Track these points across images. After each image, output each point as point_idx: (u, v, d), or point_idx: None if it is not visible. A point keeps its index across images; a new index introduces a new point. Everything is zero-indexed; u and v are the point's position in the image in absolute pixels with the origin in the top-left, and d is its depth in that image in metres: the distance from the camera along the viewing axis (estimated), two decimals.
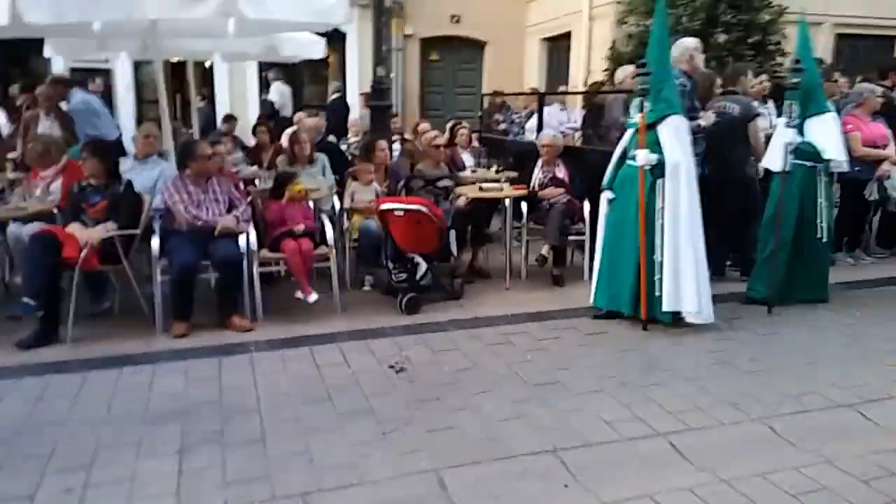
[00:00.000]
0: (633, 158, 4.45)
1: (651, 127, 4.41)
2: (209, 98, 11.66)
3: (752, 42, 7.29)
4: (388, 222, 4.81)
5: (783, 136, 4.87)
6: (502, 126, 9.40)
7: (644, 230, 4.40)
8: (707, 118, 5.14)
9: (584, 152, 6.51)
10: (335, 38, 10.72)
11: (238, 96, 11.80)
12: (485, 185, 5.76)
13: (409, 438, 3.11)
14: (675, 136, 4.39)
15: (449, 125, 7.52)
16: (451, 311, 4.86)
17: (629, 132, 4.57)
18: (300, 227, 4.77)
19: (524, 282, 5.59)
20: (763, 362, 4.07)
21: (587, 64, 10.20)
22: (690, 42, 5.27)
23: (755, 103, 5.66)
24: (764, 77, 6.15)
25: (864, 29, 9.87)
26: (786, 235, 4.94)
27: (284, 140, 6.71)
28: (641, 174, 4.40)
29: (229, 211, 4.68)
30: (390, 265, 4.91)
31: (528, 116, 9.27)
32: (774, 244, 4.93)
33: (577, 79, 10.26)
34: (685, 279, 4.39)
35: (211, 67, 11.86)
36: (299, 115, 7.74)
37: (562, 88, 9.50)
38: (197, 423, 3.26)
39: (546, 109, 7.89)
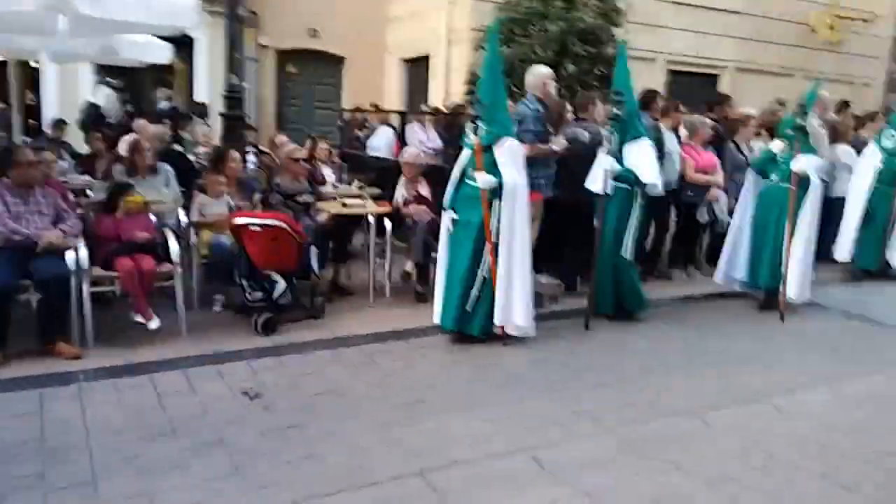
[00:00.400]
0: (473, 179, 4.54)
1: (487, 149, 4.50)
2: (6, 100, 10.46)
3: (599, 73, 7.79)
4: (244, 238, 4.51)
5: (602, 162, 5.09)
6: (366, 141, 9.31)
7: (492, 249, 4.48)
8: (559, 143, 5.37)
9: (446, 171, 6.55)
10: (183, 44, 10.10)
11: (69, 101, 10.73)
12: (347, 200, 5.61)
13: (266, 471, 2.89)
14: (511, 158, 4.49)
15: (309, 140, 7.30)
16: (311, 331, 4.64)
17: (466, 153, 4.65)
18: (143, 236, 4.36)
19: (388, 299, 5.49)
20: (613, 373, 4.26)
21: (446, 86, 10.39)
22: (544, 70, 5.49)
23: (604, 130, 6.00)
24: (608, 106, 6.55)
25: (692, 67, 10.95)
26: (605, 252, 5.14)
27: (122, 148, 6.14)
28: (484, 195, 4.47)
29: (56, 224, 4.16)
30: (244, 283, 4.61)
31: (368, 135, 9.29)
32: (594, 261, 5.12)
33: (437, 100, 10.42)
34: (517, 295, 4.52)
35: (37, 68, 10.72)
36: (140, 121, 7.16)
37: (426, 108, 9.56)
38: (12, 466, 2.81)
39: (408, 127, 7.92)
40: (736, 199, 6.13)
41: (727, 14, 11.07)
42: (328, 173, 6.83)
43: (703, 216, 6.47)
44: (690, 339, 5.05)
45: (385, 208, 5.58)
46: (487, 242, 4.49)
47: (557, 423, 3.50)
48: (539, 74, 5.39)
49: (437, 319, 4.72)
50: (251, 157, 6.95)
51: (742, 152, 6.68)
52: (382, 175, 6.44)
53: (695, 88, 10.91)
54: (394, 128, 9.30)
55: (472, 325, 4.58)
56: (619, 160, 5.11)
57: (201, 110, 10.30)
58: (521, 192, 4.52)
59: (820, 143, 6.70)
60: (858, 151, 7.18)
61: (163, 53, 6.95)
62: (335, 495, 2.72)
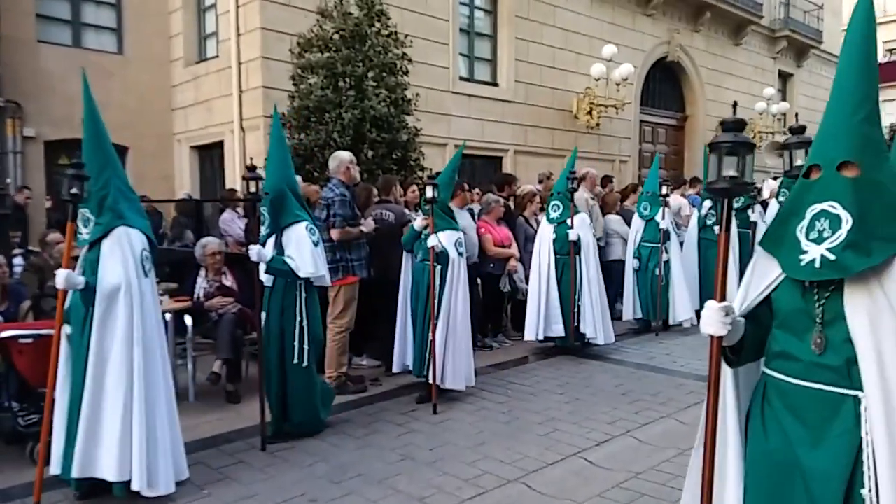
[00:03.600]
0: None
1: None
2: None
3: (396, 158, 8.11)
4: (11, 353, 3.88)
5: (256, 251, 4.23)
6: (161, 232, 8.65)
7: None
8: (368, 225, 5.45)
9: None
10: None
11: None
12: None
13: None
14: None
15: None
16: None
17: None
18: None
19: (194, 404, 5.00)
20: (440, 451, 4.24)
21: (243, 172, 10.13)
22: (346, 155, 5.60)
23: (406, 210, 6.21)
24: (415, 187, 6.83)
25: (478, 150, 11.83)
26: (271, 358, 4.35)
27: None
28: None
29: None
30: (15, 406, 3.93)
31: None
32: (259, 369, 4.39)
33: (234, 186, 10.08)
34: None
35: None
36: None
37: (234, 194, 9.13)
38: None
39: (223, 216, 7.62)
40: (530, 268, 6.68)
41: (503, 103, 12.25)
42: None
43: (505, 286, 6.88)
44: (508, 404, 5.23)
45: (184, 304, 5.18)
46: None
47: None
48: (341, 159, 5.48)
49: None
50: (18, 260, 6.11)
51: (531, 225, 7.29)
52: (178, 268, 6.00)
53: (483, 170, 11.81)
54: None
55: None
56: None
57: None
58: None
59: (593, 214, 7.60)
60: (626, 220, 8.18)
61: None
62: None
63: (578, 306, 6.50)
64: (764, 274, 1.94)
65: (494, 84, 12.43)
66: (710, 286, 7.17)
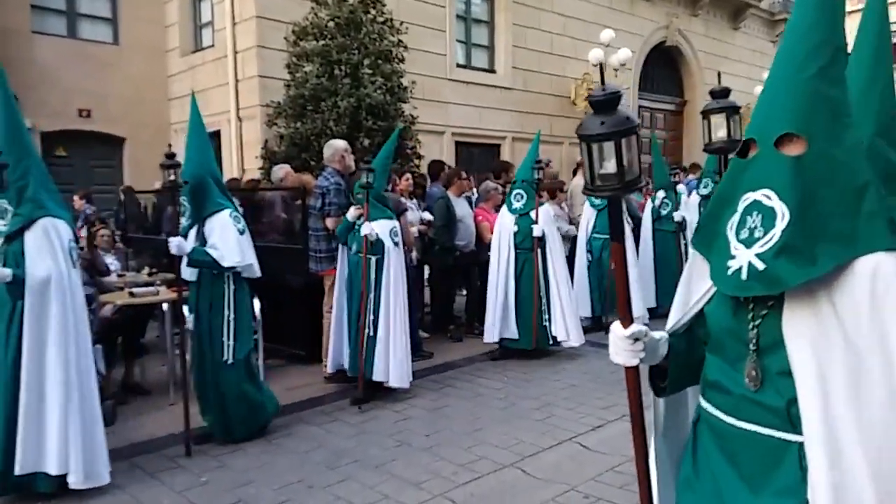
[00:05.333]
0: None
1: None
2: None
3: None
4: None
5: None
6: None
7: None
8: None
9: None
10: None
11: None
12: (136, 289, 5.13)
13: None
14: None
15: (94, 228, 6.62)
16: None
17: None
18: None
19: (192, 394, 5.02)
20: (436, 437, 4.28)
21: (241, 162, 10.12)
22: (340, 143, 5.59)
23: (402, 199, 6.21)
24: (408, 176, 6.82)
25: (476, 138, 11.80)
26: (202, 356, 4.19)
27: None
28: None
29: None
30: None
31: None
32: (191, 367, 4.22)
33: (232, 176, 10.08)
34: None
35: None
36: None
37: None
38: None
39: None
40: None
41: (501, 90, 12.20)
42: (111, 262, 6.22)
43: None
44: (505, 390, 5.26)
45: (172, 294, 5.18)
46: None
47: (386, 497, 3.42)
48: (336, 148, 5.47)
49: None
50: None
51: None
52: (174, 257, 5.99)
53: (480, 157, 11.78)
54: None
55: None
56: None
57: None
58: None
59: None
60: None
61: None
62: None
63: (547, 307, 6.03)
64: (700, 279, 1.52)
65: (492, 71, 12.38)
66: (667, 281, 7.11)
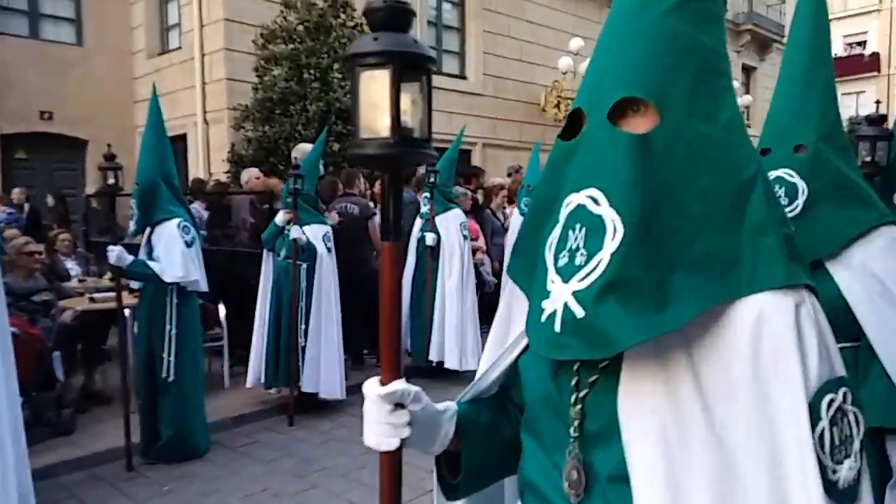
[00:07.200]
0: None
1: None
2: None
3: None
4: None
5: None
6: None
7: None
8: (332, 218, 5.40)
9: (212, 253, 6.21)
10: None
11: None
12: (97, 294, 5.01)
13: None
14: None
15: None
16: (60, 450, 3.95)
17: None
18: None
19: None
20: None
21: (207, 166, 9.98)
22: (309, 148, 5.54)
23: (371, 203, 6.18)
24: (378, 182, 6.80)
25: (446, 143, 11.78)
26: (139, 372, 4.01)
27: None
28: None
29: None
30: None
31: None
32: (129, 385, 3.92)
33: (200, 176, 9.94)
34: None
35: None
36: None
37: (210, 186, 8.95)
38: None
39: (193, 206, 7.48)
40: (499, 263, 6.63)
41: (472, 96, 12.25)
42: (72, 266, 6.07)
43: None
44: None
45: None
46: None
47: None
48: (305, 152, 5.42)
49: None
50: None
51: (497, 218, 7.31)
52: None
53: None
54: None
55: None
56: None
57: None
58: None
59: None
60: None
61: None
62: None
63: (431, 323, 5.55)
64: (522, 314, 0.96)
65: (463, 77, 12.43)
66: None
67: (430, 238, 5.58)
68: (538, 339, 0.87)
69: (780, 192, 1.68)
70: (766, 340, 0.79)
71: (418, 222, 5.84)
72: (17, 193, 9.40)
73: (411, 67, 0.91)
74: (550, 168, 0.95)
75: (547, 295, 0.85)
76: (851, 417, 0.82)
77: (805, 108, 1.70)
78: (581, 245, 0.82)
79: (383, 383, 0.94)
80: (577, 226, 0.83)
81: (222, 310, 5.16)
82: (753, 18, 18.87)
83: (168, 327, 3.86)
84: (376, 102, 0.90)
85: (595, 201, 0.82)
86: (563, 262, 0.84)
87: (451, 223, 5.70)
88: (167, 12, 11.11)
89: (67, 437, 4.17)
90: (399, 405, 0.93)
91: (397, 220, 0.96)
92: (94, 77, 10.97)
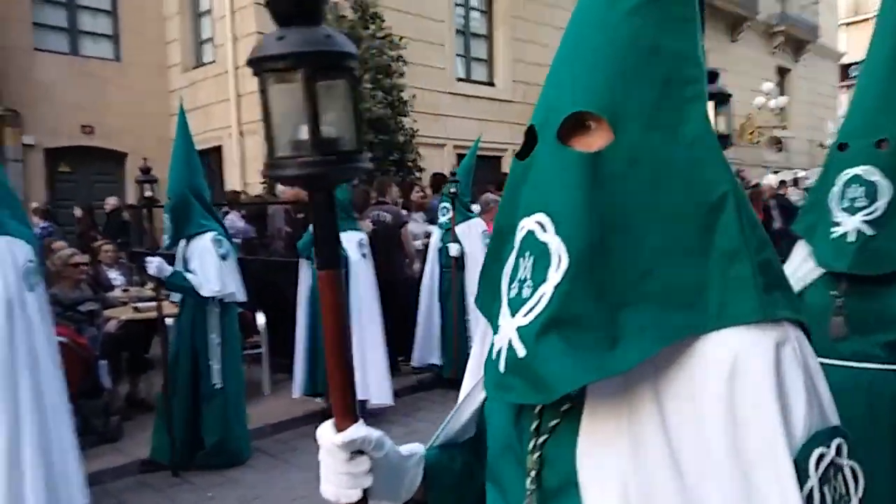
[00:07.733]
0: None
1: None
2: None
3: (393, 159, 8.16)
4: None
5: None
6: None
7: None
8: (366, 226, 5.47)
9: (250, 262, 6.33)
10: None
11: None
12: (140, 304, 5.14)
13: None
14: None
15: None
16: (107, 458, 4.07)
17: None
18: None
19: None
20: None
21: (242, 176, 10.17)
22: None
23: (404, 211, 6.24)
24: (417, 189, 6.85)
25: (480, 152, 11.86)
26: (181, 380, 3.99)
27: None
28: None
29: None
30: None
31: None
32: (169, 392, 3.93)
33: (235, 188, 10.13)
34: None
35: None
36: None
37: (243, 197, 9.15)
38: None
39: (228, 218, 7.69)
40: None
41: (501, 102, 12.27)
42: (115, 276, 6.24)
43: None
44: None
45: None
46: None
47: None
48: None
49: None
50: None
51: None
52: None
53: (481, 170, 11.78)
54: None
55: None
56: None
57: None
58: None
59: None
60: None
61: None
62: None
63: (464, 334, 5.41)
64: None
65: (491, 84, 12.47)
66: None
67: (454, 249, 5.45)
68: (488, 378, 0.79)
69: (858, 192, 1.56)
70: (739, 392, 0.68)
71: (437, 232, 5.78)
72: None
73: (328, 68, 0.74)
74: (509, 189, 0.85)
75: (496, 330, 0.77)
76: (847, 472, 0.70)
77: (889, 101, 1.58)
78: (528, 276, 0.74)
79: (339, 428, 0.83)
80: (527, 254, 0.75)
81: (261, 318, 5.24)
82: (787, 20, 18.58)
83: (212, 335, 3.94)
84: (290, 113, 0.75)
85: (542, 227, 0.73)
86: (513, 293, 0.76)
87: (474, 232, 5.63)
88: (201, 27, 11.36)
89: (114, 444, 4.29)
90: (359, 451, 0.83)
91: (333, 246, 0.82)
92: (132, 91, 11.25)
